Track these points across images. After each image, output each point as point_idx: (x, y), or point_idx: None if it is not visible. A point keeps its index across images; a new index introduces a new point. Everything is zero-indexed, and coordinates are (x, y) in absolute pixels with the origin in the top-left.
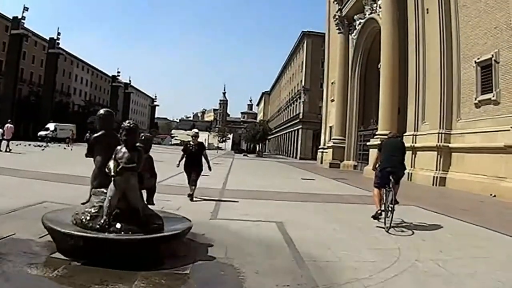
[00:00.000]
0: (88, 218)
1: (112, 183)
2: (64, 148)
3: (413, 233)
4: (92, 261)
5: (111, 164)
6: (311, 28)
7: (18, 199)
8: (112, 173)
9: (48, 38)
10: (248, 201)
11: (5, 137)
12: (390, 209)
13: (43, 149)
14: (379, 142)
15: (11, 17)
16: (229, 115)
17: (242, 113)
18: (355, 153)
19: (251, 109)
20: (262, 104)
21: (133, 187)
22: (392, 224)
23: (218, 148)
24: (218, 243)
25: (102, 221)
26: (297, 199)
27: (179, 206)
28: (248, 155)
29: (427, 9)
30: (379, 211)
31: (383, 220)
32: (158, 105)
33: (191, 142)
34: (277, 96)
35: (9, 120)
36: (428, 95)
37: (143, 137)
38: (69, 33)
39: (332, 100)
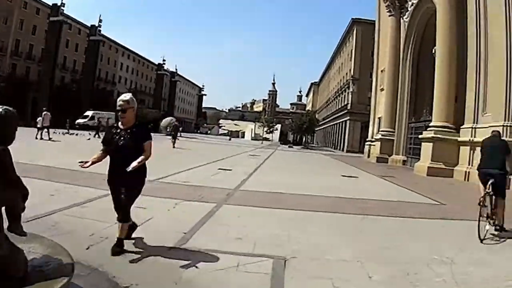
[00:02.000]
0: None
1: None
2: (88, 139)
3: None
4: None
5: None
6: (362, 15)
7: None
8: None
9: (89, 25)
10: (257, 211)
11: (44, 125)
12: (486, 216)
13: (89, 139)
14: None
15: (51, 4)
16: (278, 106)
17: (291, 104)
18: (405, 147)
19: (300, 100)
20: (311, 95)
21: None
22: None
23: (265, 139)
24: None
25: None
26: (328, 209)
27: (150, 217)
28: (294, 146)
29: None
30: (482, 199)
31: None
32: (205, 95)
33: (118, 125)
34: (326, 86)
35: (44, 108)
36: (491, 82)
37: None
38: (112, 21)
39: (382, 89)
